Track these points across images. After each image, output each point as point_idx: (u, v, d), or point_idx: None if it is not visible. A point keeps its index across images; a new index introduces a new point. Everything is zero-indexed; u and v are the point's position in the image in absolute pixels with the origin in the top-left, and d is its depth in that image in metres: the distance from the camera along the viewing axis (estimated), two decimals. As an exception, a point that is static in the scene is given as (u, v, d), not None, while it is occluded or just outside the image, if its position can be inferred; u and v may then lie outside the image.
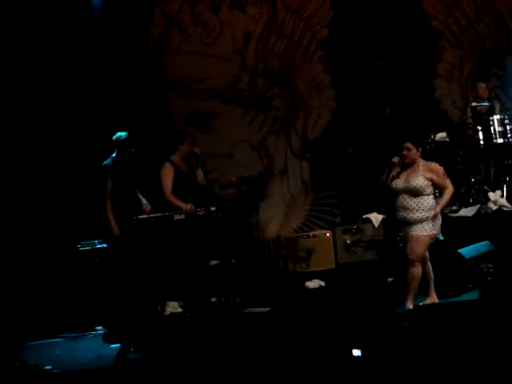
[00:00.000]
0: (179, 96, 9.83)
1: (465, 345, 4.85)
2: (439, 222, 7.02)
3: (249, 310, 7.76)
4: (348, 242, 9.22)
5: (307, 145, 10.02)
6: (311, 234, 9.46)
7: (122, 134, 7.96)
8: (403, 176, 7.01)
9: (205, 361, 6.08)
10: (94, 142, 8.87)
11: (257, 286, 8.47)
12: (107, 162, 7.96)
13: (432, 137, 9.15)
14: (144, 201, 8.12)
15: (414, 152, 7.01)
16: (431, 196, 6.97)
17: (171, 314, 7.90)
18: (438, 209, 6.94)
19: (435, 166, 7.07)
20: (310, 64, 9.94)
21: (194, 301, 7.88)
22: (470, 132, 9.08)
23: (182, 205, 7.85)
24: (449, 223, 8.39)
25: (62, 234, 8.63)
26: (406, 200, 6.93)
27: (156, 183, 8.21)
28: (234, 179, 8.67)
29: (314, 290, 8.63)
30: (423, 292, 7.14)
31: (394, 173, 7.02)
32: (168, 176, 8.06)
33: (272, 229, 9.86)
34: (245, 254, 9.07)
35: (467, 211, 8.76)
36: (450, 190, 7.04)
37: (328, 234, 9.29)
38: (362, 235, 9.21)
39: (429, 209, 6.92)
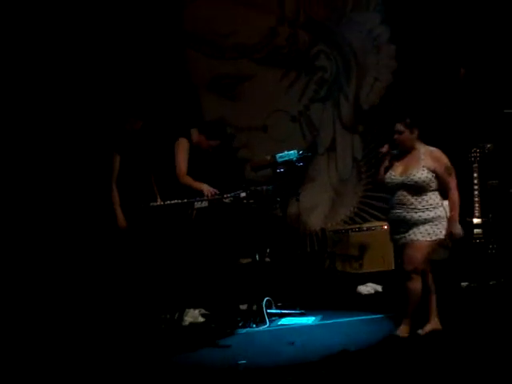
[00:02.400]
0: (205, 56, 9.14)
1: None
2: (445, 223, 6.34)
3: (284, 320, 7.48)
4: (410, 236, 8.95)
5: (361, 115, 9.44)
6: (365, 226, 9.10)
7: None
8: (400, 167, 6.36)
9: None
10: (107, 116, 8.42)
11: (297, 291, 8.03)
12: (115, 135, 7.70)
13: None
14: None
15: (407, 135, 6.31)
16: (437, 192, 6.29)
17: (191, 324, 7.50)
18: (454, 214, 6.26)
19: (438, 153, 6.36)
20: (366, 14, 9.31)
21: (219, 308, 7.59)
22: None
23: (204, 188, 7.43)
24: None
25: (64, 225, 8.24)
26: (406, 197, 6.27)
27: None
28: (269, 158, 7.93)
29: (369, 295, 8.35)
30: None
31: (386, 164, 6.42)
32: (182, 152, 7.71)
33: (316, 220, 9.38)
34: (282, 251, 8.73)
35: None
36: (454, 194, 6.28)
37: (385, 227, 8.68)
38: (428, 228, 8.91)
39: (434, 207, 6.26)
